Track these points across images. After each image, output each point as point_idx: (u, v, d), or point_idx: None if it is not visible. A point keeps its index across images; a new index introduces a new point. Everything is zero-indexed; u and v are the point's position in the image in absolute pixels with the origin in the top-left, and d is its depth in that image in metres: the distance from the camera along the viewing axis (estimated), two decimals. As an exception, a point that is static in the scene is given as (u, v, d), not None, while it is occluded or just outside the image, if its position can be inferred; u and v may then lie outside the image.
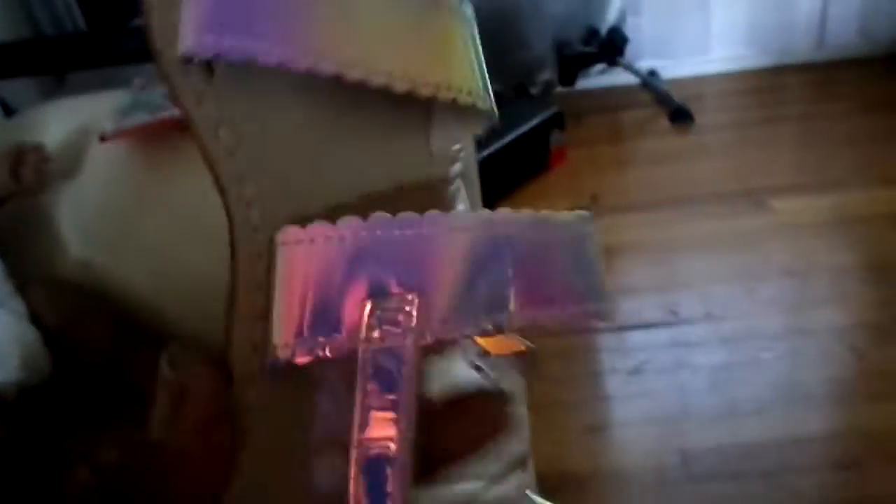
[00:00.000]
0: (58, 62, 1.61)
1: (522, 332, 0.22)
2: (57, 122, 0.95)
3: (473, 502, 0.61)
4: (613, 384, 1.42)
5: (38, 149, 0.85)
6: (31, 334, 0.76)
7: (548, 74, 2.45)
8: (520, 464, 0.68)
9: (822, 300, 1.55)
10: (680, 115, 2.26)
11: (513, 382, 0.75)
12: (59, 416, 0.80)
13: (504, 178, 1.99)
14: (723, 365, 1.43)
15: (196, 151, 0.88)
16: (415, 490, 0.22)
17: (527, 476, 0.68)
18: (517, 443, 0.70)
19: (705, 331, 1.51)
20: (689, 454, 1.26)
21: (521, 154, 2.03)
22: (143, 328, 0.81)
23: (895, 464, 1.19)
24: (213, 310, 0.84)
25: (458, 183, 0.83)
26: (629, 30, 2.37)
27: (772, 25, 2.43)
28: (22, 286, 0.79)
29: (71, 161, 0.88)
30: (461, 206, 0.89)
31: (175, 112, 0.85)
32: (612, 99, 2.45)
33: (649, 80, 2.40)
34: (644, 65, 2.43)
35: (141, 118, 0.84)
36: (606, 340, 1.53)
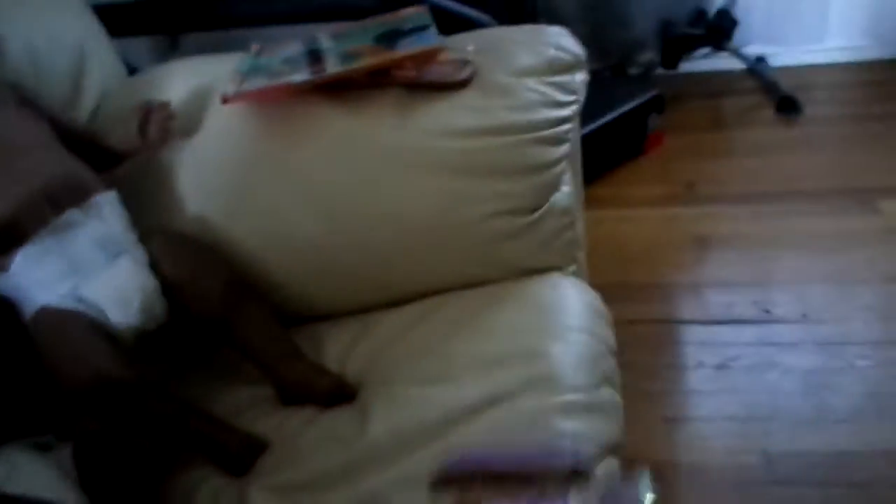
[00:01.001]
0: (173, 23, 1.67)
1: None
2: (178, 81, 1.00)
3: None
4: (698, 378, 1.39)
5: (165, 106, 0.89)
6: (151, 282, 0.81)
7: (649, 55, 2.38)
8: (612, 450, 0.69)
9: (928, 310, 1.47)
10: (787, 105, 2.15)
11: (611, 371, 0.76)
12: (167, 362, 0.85)
13: (598, 160, 1.93)
14: (815, 369, 1.37)
15: (312, 119, 0.91)
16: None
17: (615, 463, 0.69)
18: (611, 430, 0.71)
19: (799, 332, 1.45)
20: (773, 456, 1.22)
21: (616, 136, 1.98)
22: (252, 286, 0.85)
23: None
24: (318, 275, 0.87)
25: (565, 165, 0.84)
26: (739, 12, 2.28)
27: (891, 15, 2.28)
28: (144, 236, 0.84)
29: (192, 120, 0.92)
30: (565, 188, 0.90)
31: (293, 78, 0.88)
32: (715, 84, 2.35)
33: (757, 67, 2.29)
34: (752, 50, 2.33)
35: (261, 82, 0.87)
36: (694, 333, 1.50)
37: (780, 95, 2.17)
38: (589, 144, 1.86)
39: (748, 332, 1.47)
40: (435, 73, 0.80)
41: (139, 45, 1.84)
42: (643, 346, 1.47)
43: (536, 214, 0.81)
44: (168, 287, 0.80)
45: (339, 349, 0.83)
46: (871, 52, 2.34)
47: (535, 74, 0.82)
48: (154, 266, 0.80)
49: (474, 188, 0.79)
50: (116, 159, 0.89)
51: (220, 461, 0.74)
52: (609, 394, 0.72)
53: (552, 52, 0.84)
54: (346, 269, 0.83)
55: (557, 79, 0.83)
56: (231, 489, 0.72)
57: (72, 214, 0.78)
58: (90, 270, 0.76)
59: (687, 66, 2.37)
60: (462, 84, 0.80)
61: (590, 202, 1.92)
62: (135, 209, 0.83)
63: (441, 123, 0.80)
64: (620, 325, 1.53)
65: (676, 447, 1.27)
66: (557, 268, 0.84)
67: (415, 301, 0.83)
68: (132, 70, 1.17)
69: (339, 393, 0.77)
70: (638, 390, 1.37)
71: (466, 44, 0.83)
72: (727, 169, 1.99)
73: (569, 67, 0.84)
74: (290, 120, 0.83)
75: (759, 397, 1.34)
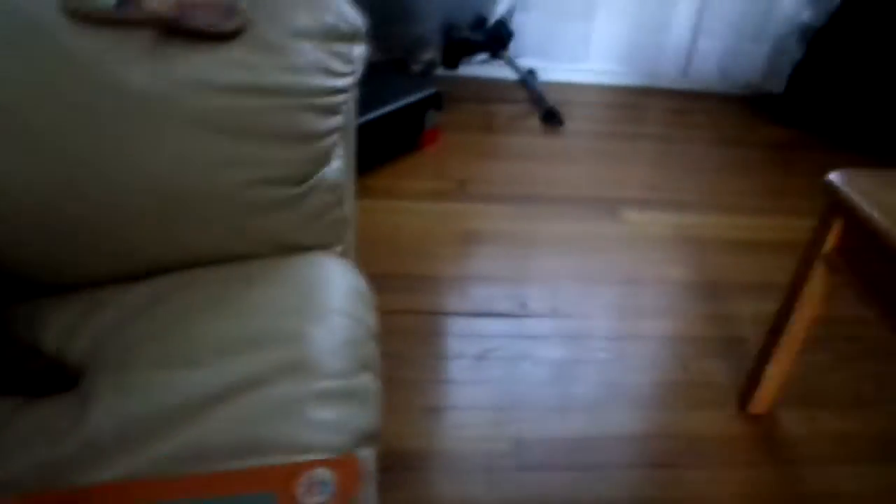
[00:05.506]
0: None
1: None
2: None
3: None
4: (458, 368, 1.43)
5: None
6: None
7: (431, 54, 2.43)
8: (369, 439, 0.66)
9: (656, 309, 1.65)
10: (551, 117, 2.33)
11: (371, 357, 0.72)
12: None
13: (375, 151, 1.94)
14: (562, 360, 1.47)
15: (42, 43, 0.73)
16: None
17: (372, 452, 0.65)
18: (368, 418, 0.67)
19: (549, 326, 1.55)
20: (522, 443, 1.28)
21: (395, 129, 1.99)
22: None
23: (705, 467, 1.28)
24: (37, 237, 0.72)
25: (337, 138, 0.78)
26: (516, 26, 2.40)
27: (645, 48, 2.55)
28: None
29: None
30: (336, 163, 0.84)
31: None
32: (490, 90, 2.47)
33: (527, 78, 2.45)
34: (525, 62, 2.47)
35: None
36: (456, 325, 1.53)
37: (545, 107, 2.34)
38: (366, 135, 1.86)
39: (505, 325, 1.54)
40: (199, 17, 0.71)
41: None
42: (407, 337, 1.48)
43: (302, 187, 0.75)
44: None
45: (60, 328, 0.70)
46: (626, 78, 2.60)
47: (312, 38, 0.76)
48: None
49: (234, 151, 0.71)
50: None
51: None
52: (367, 380, 0.68)
53: (331, 19, 0.78)
54: (74, 232, 0.70)
55: (335, 47, 0.78)
56: None
57: None
58: None
59: (466, 70, 2.46)
60: (229, 35, 0.72)
61: (365, 192, 1.95)
62: None
63: (202, 75, 0.70)
64: (386, 316, 1.53)
65: (433, 436, 1.28)
66: (322, 246, 0.79)
67: (158, 276, 0.73)
68: None
69: (53, 377, 0.65)
70: (399, 380, 1.38)
71: (238, -8, 0.75)
72: (495, 170, 2.10)
73: (348, 37, 0.79)
74: (15, 45, 0.68)
75: (512, 387, 1.40)
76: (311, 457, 0.56)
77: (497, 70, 2.47)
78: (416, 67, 2.46)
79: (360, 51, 0.81)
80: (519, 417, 1.34)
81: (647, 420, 1.38)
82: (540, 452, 1.27)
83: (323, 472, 0.50)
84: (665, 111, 2.52)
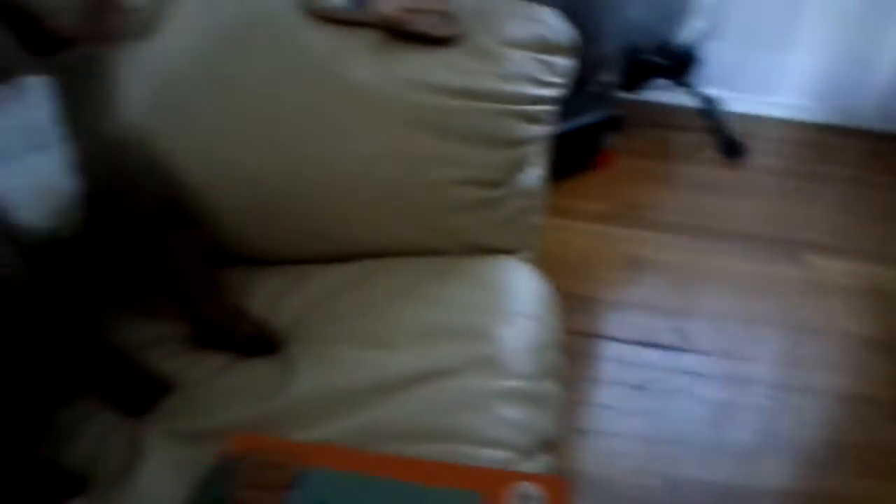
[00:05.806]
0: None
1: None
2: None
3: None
4: (612, 395, 1.40)
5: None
6: (69, 185, 0.72)
7: (610, 76, 2.41)
8: (549, 445, 0.66)
9: (833, 363, 1.53)
10: (732, 149, 2.22)
11: (556, 365, 0.72)
12: (86, 278, 0.76)
13: (551, 167, 1.95)
14: (724, 402, 1.41)
15: (283, 40, 0.81)
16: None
17: (553, 461, 0.66)
18: (550, 424, 0.68)
19: (714, 365, 1.49)
20: (674, 481, 1.24)
21: (571, 147, 1.99)
22: (186, 212, 0.78)
23: (875, 540, 1.17)
24: (257, 212, 0.79)
25: (538, 146, 0.79)
26: (703, 53, 2.32)
27: (843, 84, 2.38)
28: (74, 135, 0.75)
29: (151, 18, 0.82)
30: (535, 171, 0.86)
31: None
32: (669, 116, 2.41)
33: (710, 108, 2.35)
34: (709, 91, 2.39)
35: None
36: (613, 350, 1.51)
37: (726, 138, 2.23)
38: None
39: (665, 357, 1.50)
40: (421, 22, 0.75)
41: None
42: (565, 356, 1.47)
43: (500, 191, 0.77)
44: (92, 195, 0.71)
45: (269, 297, 0.76)
46: (818, 115, 2.44)
47: (524, 48, 0.78)
48: (79, 169, 0.71)
49: (441, 149, 0.74)
50: (59, 44, 0.79)
51: (115, 397, 0.67)
52: (552, 387, 0.69)
53: (544, 31, 0.81)
54: (288, 210, 0.76)
55: (545, 57, 0.79)
56: (123, 429, 0.65)
57: (-10, 92, 0.68)
58: (2, 157, 0.67)
59: (646, 94, 2.41)
60: (445, 40, 0.76)
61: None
62: (71, 105, 0.74)
63: (419, 76, 0.75)
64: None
65: (582, 459, 1.27)
66: (511, 251, 0.80)
67: (357, 259, 0.78)
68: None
69: (261, 341, 0.71)
70: (553, 397, 1.38)
71: (463, -1, 0.78)
72: (668, 198, 2.04)
73: (558, 49, 0.81)
74: (258, 37, 0.76)
75: (667, 422, 1.36)
76: (500, 453, 0.57)
77: (678, 96, 2.40)
78: (592, 88, 2.45)
79: (568, 63, 0.82)
80: (672, 454, 1.29)
81: (811, 479, 1.28)
82: (691, 493, 1.22)
83: (532, 488, 0.51)
84: (860, 153, 2.34)
